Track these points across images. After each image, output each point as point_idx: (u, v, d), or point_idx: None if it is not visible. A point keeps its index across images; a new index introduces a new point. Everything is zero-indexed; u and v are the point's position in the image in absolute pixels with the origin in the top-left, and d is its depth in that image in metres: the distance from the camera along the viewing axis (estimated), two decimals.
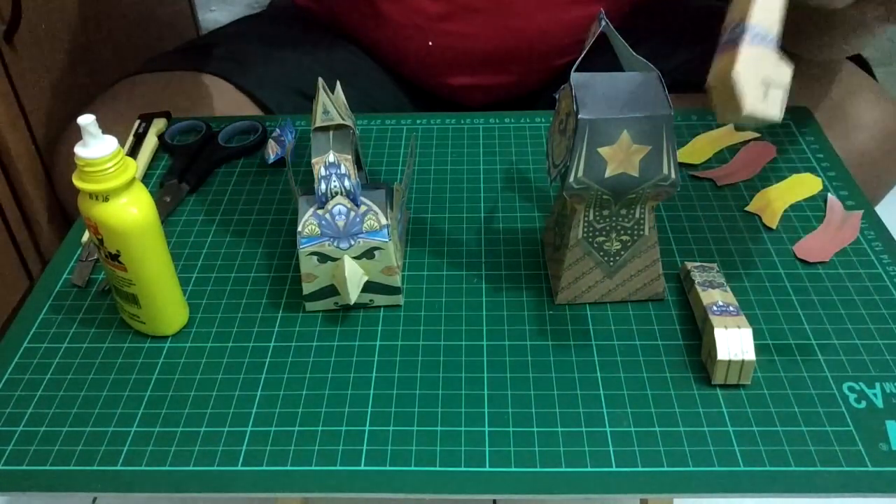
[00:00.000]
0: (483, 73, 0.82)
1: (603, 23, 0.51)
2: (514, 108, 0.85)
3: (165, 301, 0.50)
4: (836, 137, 0.68)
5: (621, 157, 0.46)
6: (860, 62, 0.78)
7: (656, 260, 0.51)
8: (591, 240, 0.50)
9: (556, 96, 0.50)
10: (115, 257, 0.47)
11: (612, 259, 0.51)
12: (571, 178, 0.47)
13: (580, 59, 0.50)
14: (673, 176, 0.47)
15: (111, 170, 0.44)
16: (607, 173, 0.47)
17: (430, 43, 0.79)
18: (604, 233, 0.50)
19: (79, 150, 0.44)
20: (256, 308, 0.54)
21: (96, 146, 0.44)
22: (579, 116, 0.45)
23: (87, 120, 0.43)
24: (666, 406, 0.46)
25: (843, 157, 0.66)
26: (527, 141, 0.69)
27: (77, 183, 0.45)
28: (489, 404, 0.47)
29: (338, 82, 0.53)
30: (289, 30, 0.85)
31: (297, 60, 0.81)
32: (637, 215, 0.49)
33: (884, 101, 0.72)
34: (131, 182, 0.46)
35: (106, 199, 0.45)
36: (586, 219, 0.49)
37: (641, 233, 0.50)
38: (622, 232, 0.50)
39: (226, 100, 0.77)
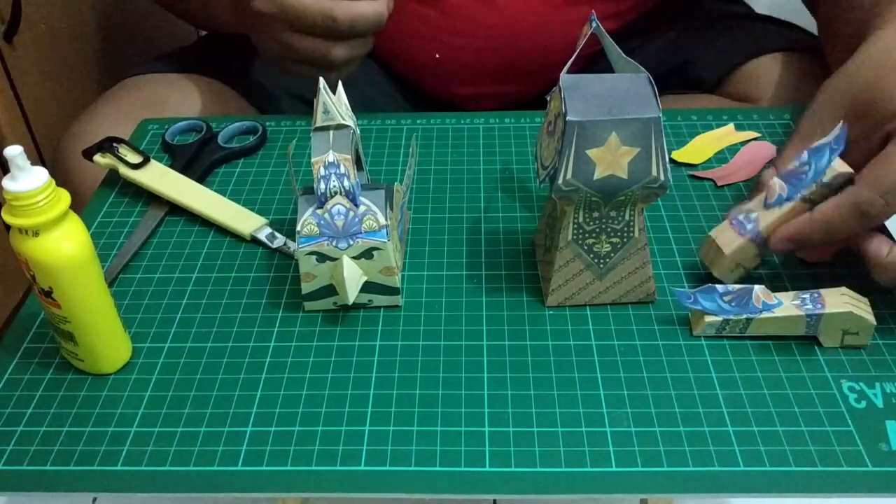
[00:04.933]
0: (491, 83, 0.82)
1: (594, 24, 0.51)
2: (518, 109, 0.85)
3: (103, 339, 0.48)
4: None
5: (610, 158, 0.46)
6: None
7: (647, 262, 0.51)
8: (580, 242, 0.50)
9: (548, 98, 0.50)
10: (48, 294, 0.45)
11: (602, 261, 0.51)
12: (560, 180, 0.47)
13: (572, 59, 0.50)
14: (662, 178, 0.47)
15: (41, 203, 0.42)
16: (596, 175, 0.47)
17: (438, 56, 0.79)
18: (593, 235, 0.50)
19: (6, 183, 0.42)
20: (256, 308, 0.54)
21: (25, 179, 0.41)
22: (567, 118, 0.45)
23: (14, 151, 0.41)
24: (666, 406, 0.46)
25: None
26: (527, 141, 0.69)
27: (7, 218, 0.43)
28: (489, 404, 0.47)
29: (339, 82, 0.53)
30: None
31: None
32: (627, 217, 0.49)
33: None
34: (64, 215, 0.43)
35: (36, 234, 0.43)
36: (576, 221, 0.49)
37: (631, 235, 0.50)
38: (612, 234, 0.50)
39: (224, 102, 0.77)
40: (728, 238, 0.52)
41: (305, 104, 0.80)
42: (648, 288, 0.52)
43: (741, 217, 0.52)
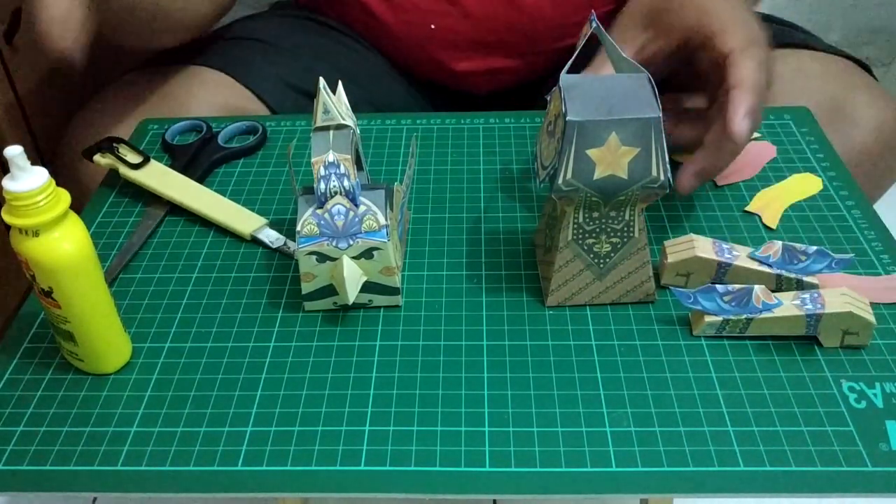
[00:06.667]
0: (487, 56, 0.82)
1: (594, 24, 0.51)
2: (521, 97, 0.85)
3: (103, 339, 0.48)
4: (835, 135, 0.68)
5: (610, 158, 0.46)
6: (858, 62, 0.78)
7: (647, 262, 0.51)
8: (580, 242, 0.50)
9: (548, 98, 0.50)
10: (48, 294, 0.45)
11: (602, 261, 0.51)
12: (560, 180, 0.47)
13: (572, 59, 0.50)
14: (662, 178, 0.47)
15: (42, 203, 0.42)
16: (596, 175, 0.47)
17: (433, 26, 0.79)
18: (593, 235, 0.50)
19: (7, 183, 0.42)
20: (256, 308, 0.54)
21: (25, 179, 0.41)
22: (567, 118, 0.45)
23: (14, 151, 0.41)
24: (666, 406, 0.46)
25: (842, 155, 0.66)
26: (527, 141, 0.69)
27: (7, 218, 0.43)
28: (489, 404, 0.47)
29: (339, 82, 0.53)
30: (291, 28, 0.85)
31: (300, 57, 0.81)
32: (627, 217, 0.49)
33: (883, 99, 0.72)
34: (64, 215, 0.43)
35: (36, 234, 0.43)
36: (576, 221, 0.49)
37: (631, 235, 0.50)
38: (612, 234, 0.50)
39: (227, 95, 0.77)
40: (703, 246, 0.52)
41: (309, 98, 0.79)
42: (648, 288, 0.52)
43: (725, 245, 0.53)
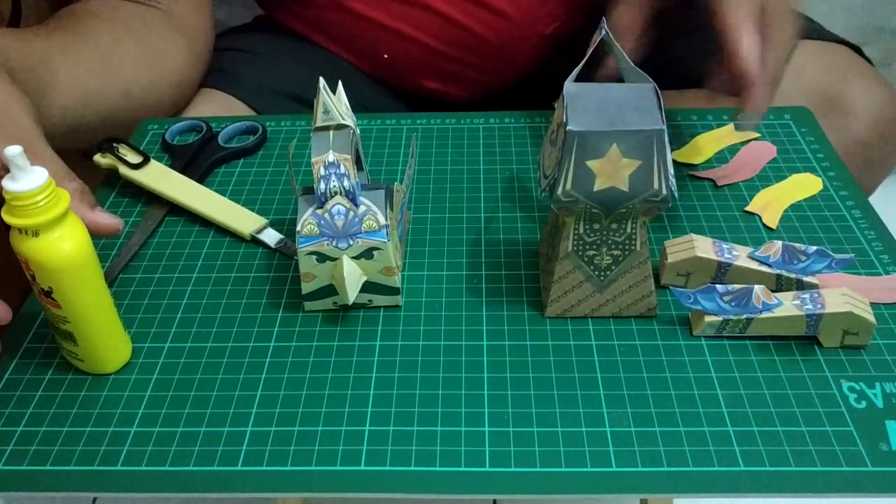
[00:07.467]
0: (452, 73, 0.82)
1: (604, 31, 0.50)
2: (506, 100, 0.85)
3: (103, 339, 0.48)
4: (831, 125, 0.67)
5: (610, 170, 0.45)
6: (853, 47, 0.77)
7: (648, 276, 0.50)
8: (581, 253, 0.49)
9: (555, 105, 0.49)
10: (48, 294, 0.45)
11: (602, 274, 0.50)
12: (559, 191, 0.46)
13: (579, 67, 0.49)
14: (664, 192, 0.46)
15: (42, 203, 0.42)
16: (596, 187, 0.46)
17: (386, 56, 0.80)
18: (594, 247, 0.49)
19: (6, 183, 0.41)
20: (256, 308, 0.54)
21: (25, 179, 0.41)
22: (567, 128, 0.45)
23: (14, 151, 0.41)
24: (666, 406, 0.46)
25: (839, 145, 0.65)
26: (527, 141, 0.69)
27: (7, 218, 0.43)
28: (489, 404, 0.47)
29: (339, 82, 0.53)
30: (274, 40, 0.85)
31: (286, 67, 0.81)
32: (628, 230, 0.48)
33: (878, 85, 0.71)
34: (64, 215, 0.43)
35: (36, 234, 0.43)
36: (576, 232, 0.49)
37: (633, 248, 0.49)
38: (613, 247, 0.49)
39: (217, 106, 0.77)
40: (703, 246, 0.52)
41: (299, 103, 0.80)
42: (650, 302, 0.51)
43: (725, 245, 0.52)
